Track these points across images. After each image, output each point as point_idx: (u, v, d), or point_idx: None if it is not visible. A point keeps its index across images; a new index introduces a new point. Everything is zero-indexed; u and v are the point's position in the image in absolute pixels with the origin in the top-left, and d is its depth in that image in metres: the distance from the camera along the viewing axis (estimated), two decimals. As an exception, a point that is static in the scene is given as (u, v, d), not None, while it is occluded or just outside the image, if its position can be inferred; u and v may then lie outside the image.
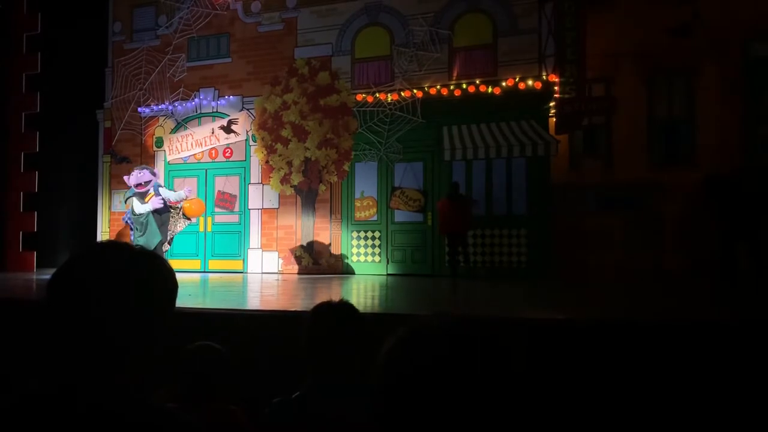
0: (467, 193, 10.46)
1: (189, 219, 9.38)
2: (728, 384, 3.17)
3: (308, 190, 11.68)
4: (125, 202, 9.10)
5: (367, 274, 11.00)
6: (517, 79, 10.31)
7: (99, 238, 12.56)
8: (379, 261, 11.17)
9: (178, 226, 9.30)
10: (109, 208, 12.98)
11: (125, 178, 9.03)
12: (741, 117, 9.54)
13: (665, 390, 3.21)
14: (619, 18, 10.13)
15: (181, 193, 9.02)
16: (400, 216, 11.13)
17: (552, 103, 10.20)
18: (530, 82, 10.24)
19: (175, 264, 12.08)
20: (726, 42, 9.58)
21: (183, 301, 5.69)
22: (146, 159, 12.76)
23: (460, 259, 9.85)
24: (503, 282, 9.20)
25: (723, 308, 5.64)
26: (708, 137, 9.65)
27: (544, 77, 10.26)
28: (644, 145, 10.05)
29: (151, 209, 8.77)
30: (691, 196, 9.49)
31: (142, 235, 8.81)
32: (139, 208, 8.76)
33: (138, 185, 8.78)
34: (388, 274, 10.96)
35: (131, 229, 8.96)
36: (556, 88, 10.11)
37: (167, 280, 1.16)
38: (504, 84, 10.35)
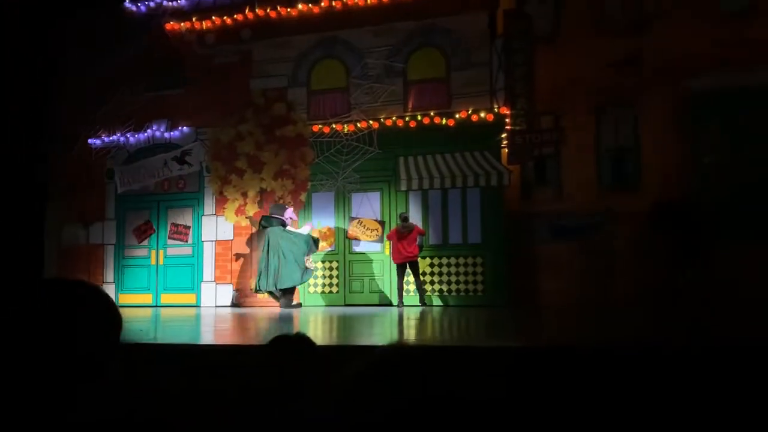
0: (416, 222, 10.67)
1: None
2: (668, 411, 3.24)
3: (264, 222, 11.56)
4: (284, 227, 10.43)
5: (324, 305, 10.91)
6: (470, 111, 10.54)
7: (46, 275, 12.09)
8: (337, 291, 11.10)
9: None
10: (59, 243, 12.55)
11: (288, 210, 10.67)
12: (684, 146, 9.94)
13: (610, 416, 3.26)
14: (567, 52, 10.51)
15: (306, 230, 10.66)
16: (357, 246, 11.12)
17: (504, 135, 10.47)
18: (482, 114, 10.48)
19: (125, 299, 11.82)
20: (668, 75, 10.02)
21: (134, 336, 5.51)
22: (97, 190, 12.46)
23: (409, 288, 10.06)
24: (461, 310, 9.25)
25: (658, 333, 5.80)
26: (654, 166, 10.02)
27: (495, 109, 10.52)
28: (593, 174, 10.37)
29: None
30: (640, 224, 9.79)
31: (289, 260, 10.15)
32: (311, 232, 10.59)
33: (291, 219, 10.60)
34: (346, 305, 10.89)
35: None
36: (507, 120, 10.39)
37: (108, 316, 1.13)
38: (457, 116, 10.56)
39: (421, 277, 10.22)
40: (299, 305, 10.51)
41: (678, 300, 8.51)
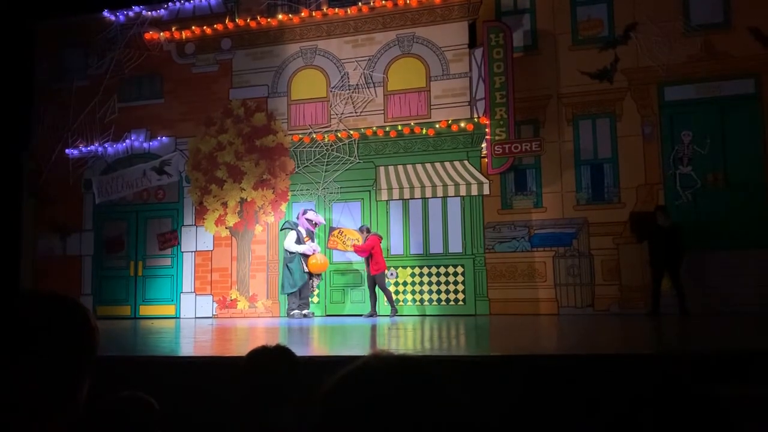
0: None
1: (315, 276, 10.37)
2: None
3: (244, 232, 11.51)
4: (282, 230, 10.36)
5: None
6: (450, 121, 10.62)
7: (22, 285, 11.88)
8: (318, 302, 11.04)
9: (314, 283, 10.40)
10: (35, 254, 12.33)
11: (304, 211, 10.26)
12: (660, 156, 10.10)
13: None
14: (545, 62, 10.64)
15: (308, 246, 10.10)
16: (338, 256, 11.09)
17: (483, 144, 10.55)
18: (462, 124, 10.56)
19: (103, 310, 11.63)
20: (643, 86, 10.20)
21: (112, 349, 5.43)
22: (74, 202, 12.28)
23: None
24: (440, 319, 9.27)
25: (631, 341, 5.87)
26: (631, 176, 10.15)
27: (475, 119, 10.61)
28: (572, 184, 10.46)
29: (302, 252, 9.94)
30: (618, 233, 9.94)
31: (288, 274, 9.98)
32: (292, 246, 9.92)
33: (312, 223, 10.14)
34: (326, 315, 10.84)
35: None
36: (487, 129, 10.47)
37: (83, 329, 1.12)
38: (437, 126, 10.63)
39: (403, 287, 10.25)
40: (304, 316, 10.01)
41: (658, 308, 8.64)
